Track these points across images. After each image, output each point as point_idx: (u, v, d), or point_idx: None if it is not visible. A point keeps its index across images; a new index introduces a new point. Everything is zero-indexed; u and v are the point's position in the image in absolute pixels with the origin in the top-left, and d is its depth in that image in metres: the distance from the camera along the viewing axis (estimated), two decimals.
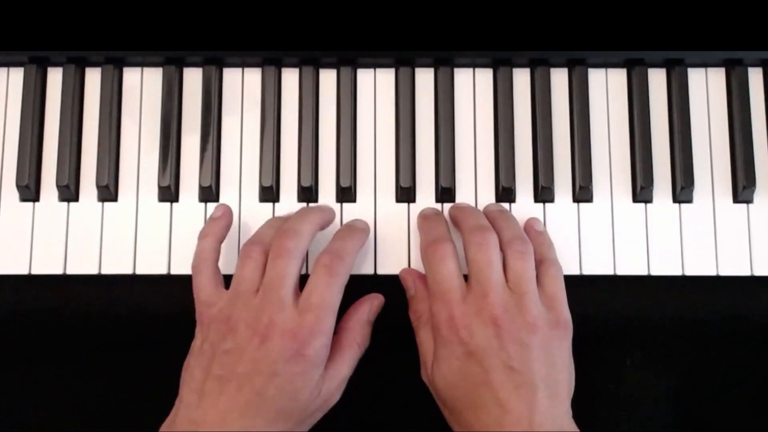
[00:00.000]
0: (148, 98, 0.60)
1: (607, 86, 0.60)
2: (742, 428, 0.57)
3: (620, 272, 0.57)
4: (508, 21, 0.59)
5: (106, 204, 0.58)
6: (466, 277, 0.53)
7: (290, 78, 0.60)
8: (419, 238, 0.57)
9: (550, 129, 0.59)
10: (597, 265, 0.57)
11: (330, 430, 0.54)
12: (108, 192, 0.58)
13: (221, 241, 0.55)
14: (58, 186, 0.58)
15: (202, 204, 0.58)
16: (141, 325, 0.58)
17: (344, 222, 0.58)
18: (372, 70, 0.60)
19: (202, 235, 0.55)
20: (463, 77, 0.60)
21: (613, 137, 0.60)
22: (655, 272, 0.57)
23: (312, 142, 0.59)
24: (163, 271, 0.57)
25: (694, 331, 0.58)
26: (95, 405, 0.57)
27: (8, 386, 0.57)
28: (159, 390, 0.53)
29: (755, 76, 0.60)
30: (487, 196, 0.59)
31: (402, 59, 0.60)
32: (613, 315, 0.58)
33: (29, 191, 0.58)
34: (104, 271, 0.57)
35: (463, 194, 0.59)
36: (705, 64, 0.60)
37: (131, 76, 0.60)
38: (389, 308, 0.56)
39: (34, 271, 0.57)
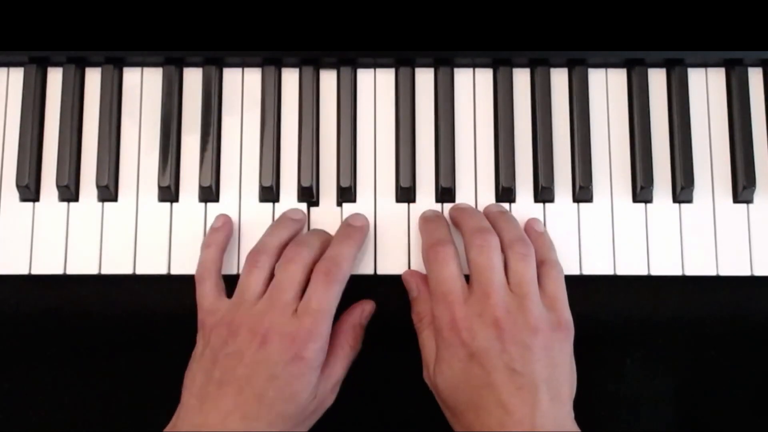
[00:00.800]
0: (148, 98, 0.60)
1: (607, 86, 0.60)
2: (742, 428, 0.57)
3: (620, 272, 0.57)
4: (508, 21, 0.59)
5: (106, 204, 0.58)
6: (467, 278, 0.53)
7: (290, 78, 0.60)
8: (421, 240, 0.57)
9: (550, 129, 0.59)
10: (597, 265, 0.57)
11: (332, 430, 0.54)
12: (108, 192, 0.58)
13: (224, 251, 0.56)
14: (58, 186, 0.58)
15: (202, 204, 0.58)
16: (141, 325, 0.58)
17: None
18: (372, 70, 0.60)
19: (205, 246, 0.56)
20: (463, 77, 0.60)
21: (613, 137, 0.60)
22: (655, 272, 0.57)
23: (312, 142, 0.59)
24: (163, 271, 0.57)
25: (694, 331, 0.58)
26: (95, 405, 0.57)
27: (8, 386, 0.57)
28: (159, 390, 0.53)
29: (755, 76, 0.60)
30: (487, 196, 0.59)
31: (402, 59, 0.60)
32: (613, 315, 0.58)
33: (29, 191, 0.58)
34: (104, 271, 0.57)
35: (463, 194, 0.59)
36: (705, 64, 0.60)
37: (131, 76, 0.60)
38: (390, 309, 0.56)
39: (34, 271, 0.57)
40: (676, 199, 0.59)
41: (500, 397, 0.49)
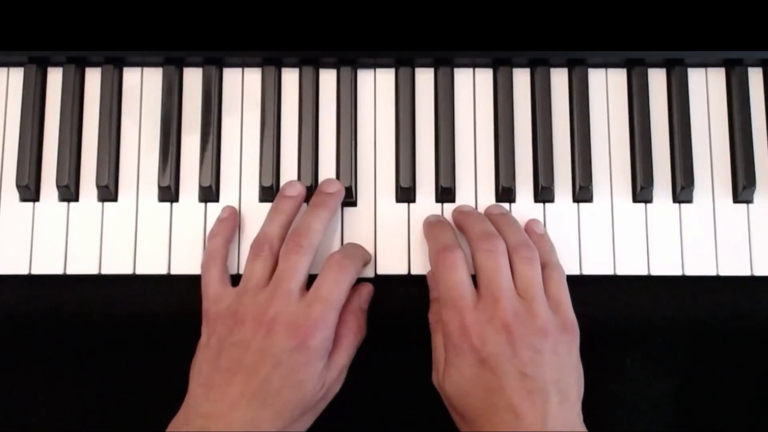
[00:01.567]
0: (148, 98, 0.60)
1: (607, 86, 0.60)
2: (742, 428, 0.57)
3: (620, 272, 0.57)
4: (508, 21, 0.59)
5: (106, 204, 0.58)
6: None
7: (290, 78, 0.60)
8: (421, 242, 0.57)
9: (550, 129, 0.59)
10: (597, 265, 0.57)
11: (333, 430, 0.54)
12: (108, 192, 0.58)
13: (230, 241, 0.57)
14: (58, 186, 0.58)
15: (202, 204, 0.58)
16: (141, 325, 0.58)
17: (344, 222, 0.58)
18: (372, 70, 0.60)
19: (211, 236, 0.56)
20: (463, 77, 0.60)
21: (613, 137, 0.60)
22: (655, 272, 0.57)
23: (312, 142, 0.59)
24: (163, 271, 0.57)
25: (694, 331, 0.58)
26: (95, 405, 0.57)
27: (8, 386, 0.57)
28: (159, 390, 0.53)
29: (755, 76, 0.60)
30: (487, 196, 0.59)
31: (402, 59, 0.60)
32: (613, 315, 0.58)
33: (29, 191, 0.58)
34: (104, 271, 0.57)
35: (463, 194, 0.59)
36: (705, 64, 0.60)
37: (131, 76, 0.60)
38: (390, 309, 0.56)
39: (34, 271, 0.57)
40: (676, 199, 0.59)
41: (511, 402, 0.49)
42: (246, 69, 0.60)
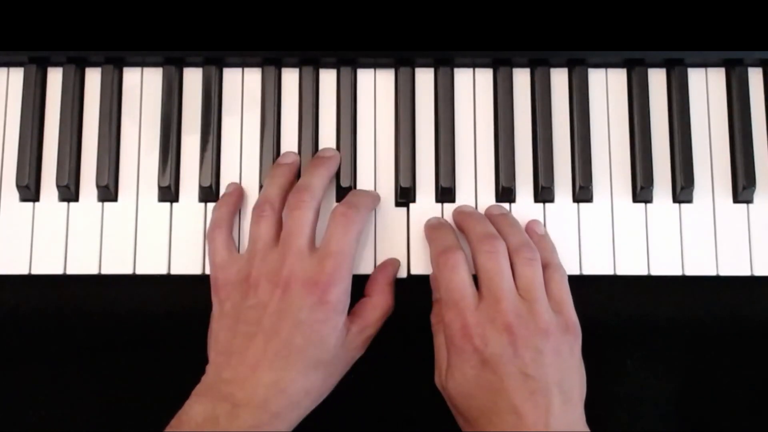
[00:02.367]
0: (148, 98, 0.60)
1: (607, 86, 0.60)
2: (742, 428, 0.57)
3: (620, 272, 0.57)
4: (508, 21, 0.59)
5: (106, 204, 0.58)
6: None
7: (290, 78, 0.60)
8: (422, 242, 0.57)
9: (550, 129, 0.59)
10: (597, 265, 0.57)
11: (337, 429, 0.54)
12: (108, 192, 0.58)
13: (234, 213, 0.57)
14: (58, 186, 0.58)
15: (202, 204, 0.58)
16: (141, 325, 0.58)
17: None
18: (372, 70, 0.60)
19: (216, 207, 0.57)
20: (463, 77, 0.60)
21: (613, 137, 0.60)
22: (655, 272, 0.57)
23: (312, 142, 0.59)
24: (163, 271, 0.57)
25: (694, 331, 0.58)
26: (95, 405, 0.57)
27: (8, 386, 0.57)
28: (159, 390, 0.53)
29: (755, 76, 0.60)
30: (487, 196, 0.59)
31: (402, 59, 0.60)
32: (613, 315, 0.58)
33: (29, 191, 0.58)
34: (104, 271, 0.57)
35: (463, 194, 0.59)
36: (705, 64, 0.60)
37: (131, 76, 0.60)
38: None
39: (34, 271, 0.57)
40: (676, 199, 0.58)
41: (513, 403, 0.49)
42: (246, 69, 0.60)
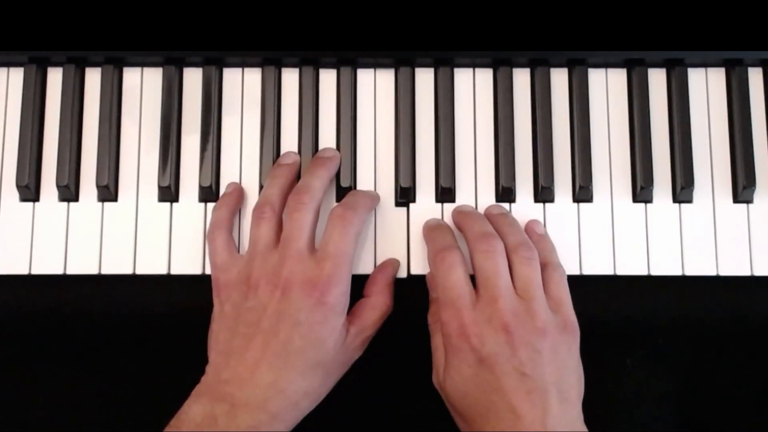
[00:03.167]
0: (148, 98, 0.60)
1: (607, 86, 0.60)
2: (742, 428, 0.57)
3: (620, 272, 0.57)
4: (508, 21, 0.59)
5: (106, 204, 0.58)
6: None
7: (290, 78, 0.60)
8: (421, 241, 0.57)
9: (550, 129, 0.59)
10: (597, 265, 0.57)
11: (337, 429, 0.54)
12: (108, 192, 0.58)
13: (235, 213, 0.57)
14: (58, 186, 0.58)
15: (202, 204, 0.58)
16: (141, 325, 0.58)
17: None
18: (372, 70, 0.60)
19: (216, 208, 0.57)
20: (463, 77, 0.60)
21: (613, 137, 0.60)
22: (655, 272, 0.57)
23: (312, 142, 0.59)
24: (163, 271, 0.57)
25: (694, 331, 0.58)
26: (95, 405, 0.57)
27: (8, 386, 0.57)
28: (159, 390, 0.53)
29: (755, 76, 0.60)
30: (487, 196, 0.59)
31: (402, 59, 0.60)
32: (613, 315, 0.58)
33: (29, 191, 0.58)
34: (104, 271, 0.57)
35: (463, 194, 0.59)
36: (705, 64, 0.60)
37: (131, 76, 0.60)
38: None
39: (34, 271, 0.57)
40: (676, 199, 0.58)
41: (510, 402, 0.49)
42: (246, 69, 0.60)
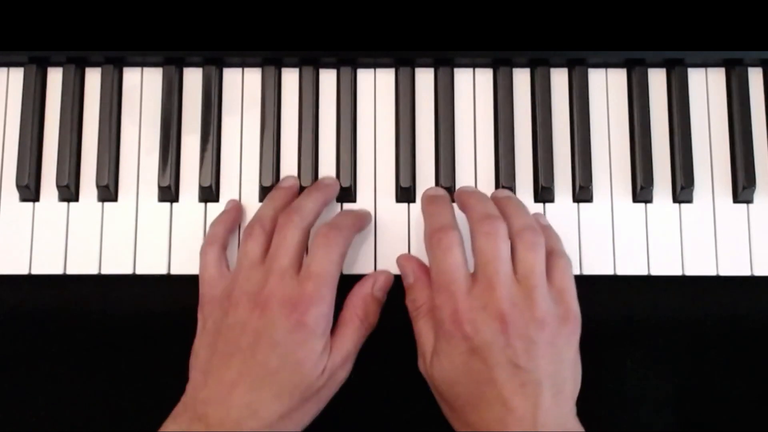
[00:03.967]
0: (148, 98, 0.60)
1: (607, 86, 0.60)
2: (742, 428, 0.57)
3: (620, 272, 0.57)
4: (508, 21, 0.59)
5: (106, 204, 0.58)
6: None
7: (290, 78, 0.60)
8: (421, 238, 0.56)
9: (550, 129, 0.59)
10: (597, 265, 0.57)
11: (336, 429, 0.54)
12: (108, 192, 0.58)
13: (231, 230, 0.57)
14: (58, 186, 0.58)
15: (202, 204, 0.58)
16: (141, 325, 0.58)
17: None
18: (372, 70, 0.60)
19: (213, 224, 0.57)
20: (463, 77, 0.60)
21: (613, 137, 0.60)
22: (655, 272, 0.57)
23: (312, 142, 0.59)
24: (163, 271, 0.57)
25: (694, 331, 0.58)
26: (95, 405, 0.57)
27: (8, 386, 0.57)
28: (159, 390, 0.53)
29: (755, 76, 0.60)
30: None
31: (402, 59, 0.60)
32: (613, 315, 0.58)
33: (29, 191, 0.58)
34: (104, 271, 0.57)
35: None
36: (705, 64, 0.60)
37: (131, 76, 0.60)
38: (390, 308, 0.56)
39: (34, 271, 0.57)
40: (676, 199, 0.58)
41: (502, 393, 0.47)
42: (246, 69, 0.60)
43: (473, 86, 0.60)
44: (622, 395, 0.57)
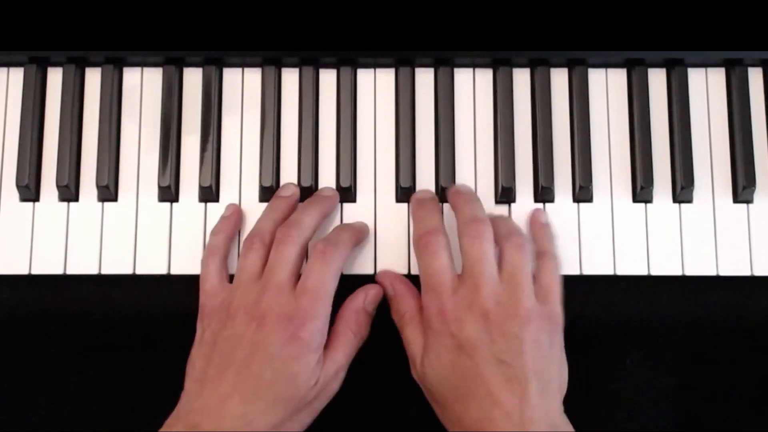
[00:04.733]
0: (148, 98, 0.60)
1: (607, 86, 0.60)
2: (742, 428, 0.57)
3: (620, 272, 0.57)
4: (508, 21, 0.59)
5: (106, 204, 0.58)
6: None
7: (290, 78, 0.60)
8: (412, 225, 0.57)
9: (550, 129, 0.59)
10: (597, 265, 0.57)
11: (335, 429, 0.54)
12: (108, 192, 0.58)
13: (232, 238, 0.57)
14: (58, 186, 0.58)
15: (202, 204, 0.58)
16: (141, 325, 0.58)
17: (345, 222, 0.58)
18: (372, 70, 0.60)
19: (214, 233, 0.57)
20: (463, 77, 0.60)
21: (613, 137, 0.60)
22: (655, 272, 0.57)
23: (312, 142, 0.59)
24: (163, 271, 0.57)
25: (694, 331, 0.58)
26: (95, 405, 0.57)
27: (8, 386, 0.57)
28: (159, 390, 0.53)
29: (755, 76, 0.60)
30: (487, 196, 0.59)
31: (402, 59, 0.60)
32: (613, 315, 0.58)
33: (29, 191, 0.58)
34: (104, 271, 0.57)
35: None
36: (705, 64, 0.60)
37: (131, 76, 0.60)
38: (389, 308, 0.56)
39: (34, 271, 0.57)
40: (676, 199, 0.59)
41: (489, 388, 0.48)
42: (246, 69, 0.60)
43: (473, 86, 0.60)
44: (621, 394, 0.57)
